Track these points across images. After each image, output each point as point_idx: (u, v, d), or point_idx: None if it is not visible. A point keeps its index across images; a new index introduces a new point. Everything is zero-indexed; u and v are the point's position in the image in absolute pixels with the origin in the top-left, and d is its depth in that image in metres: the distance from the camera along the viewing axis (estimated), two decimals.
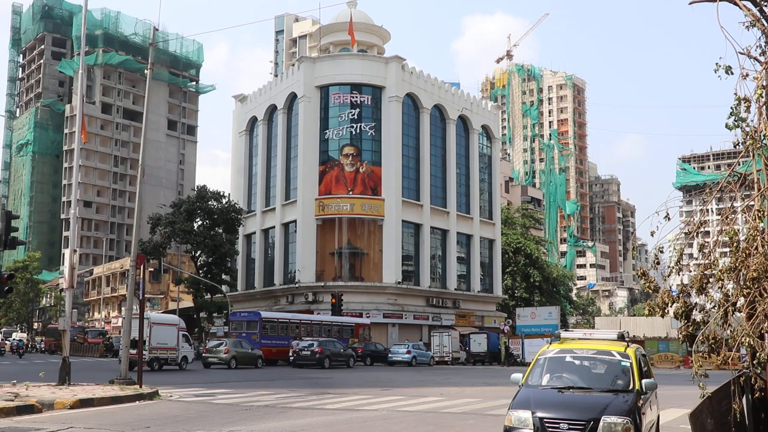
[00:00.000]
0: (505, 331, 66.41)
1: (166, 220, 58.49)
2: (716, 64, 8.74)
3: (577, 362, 11.02)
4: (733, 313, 9.01)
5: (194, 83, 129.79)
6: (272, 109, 68.33)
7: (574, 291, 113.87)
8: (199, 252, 59.55)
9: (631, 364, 10.56)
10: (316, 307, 58.15)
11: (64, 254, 27.67)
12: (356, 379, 31.71)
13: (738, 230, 9.07)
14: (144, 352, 35.31)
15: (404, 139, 63.97)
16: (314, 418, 16.54)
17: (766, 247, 8.46)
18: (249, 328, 46.91)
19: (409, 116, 64.98)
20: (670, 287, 9.50)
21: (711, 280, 9.15)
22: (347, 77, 63.46)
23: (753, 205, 8.90)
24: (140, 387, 21.34)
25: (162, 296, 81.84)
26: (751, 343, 8.56)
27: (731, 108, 8.86)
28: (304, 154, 62.41)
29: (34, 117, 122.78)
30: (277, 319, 49.06)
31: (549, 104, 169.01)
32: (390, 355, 49.27)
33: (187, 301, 67.15)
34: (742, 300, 8.81)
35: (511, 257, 78.89)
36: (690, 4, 9.75)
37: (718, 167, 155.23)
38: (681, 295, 9.40)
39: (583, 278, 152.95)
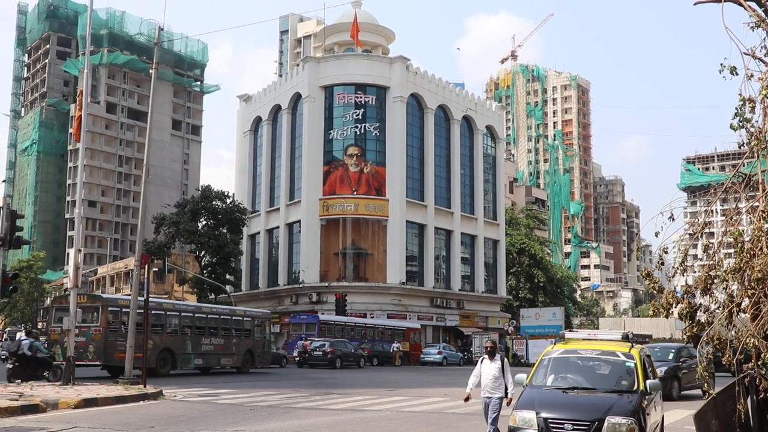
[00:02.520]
0: (509, 331, 66.44)
1: (171, 220, 58.55)
2: (721, 64, 8.75)
3: (581, 363, 11.04)
4: (738, 314, 9.01)
5: (199, 83, 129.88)
6: (277, 109, 68.37)
7: (579, 292, 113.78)
8: (203, 252, 59.62)
9: (635, 364, 10.58)
10: (320, 308, 58.12)
11: (68, 254, 27.88)
12: (361, 380, 31.74)
13: (743, 231, 9.07)
14: None
15: (408, 140, 63.93)
16: (318, 418, 16.56)
17: None
18: (308, 329, 49.06)
19: (413, 116, 64.95)
20: (675, 288, 9.51)
21: (715, 280, 9.16)
22: (352, 77, 63.44)
23: (758, 206, 8.90)
24: (144, 387, 21.39)
25: (166, 296, 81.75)
26: (756, 344, 8.56)
27: (736, 109, 8.86)
28: (309, 155, 62.42)
29: (39, 116, 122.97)
30: (334, 321, 51.10)
31: (553, 105, 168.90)
32: (422, 356, 51.39)
33: (191, 301, 67.17)
34: (746, 301, 8.81)
35: (516, 258, 78.85)
36: (695, 4, 9.75)
37: (722, 168, 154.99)
38: (685, 295, 9.40)
39: (587, 279, 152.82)
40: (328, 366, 40.77)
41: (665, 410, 12.55)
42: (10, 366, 24.99)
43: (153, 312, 29.44)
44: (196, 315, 33.51)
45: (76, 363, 26.25)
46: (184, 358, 32.10)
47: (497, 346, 12.89)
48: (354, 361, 43.60)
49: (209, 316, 34.41)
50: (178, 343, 31.74)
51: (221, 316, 35.14)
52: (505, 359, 12.09)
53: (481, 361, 12.15)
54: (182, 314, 32.93)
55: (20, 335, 28.63)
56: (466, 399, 12.14)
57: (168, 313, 32.31)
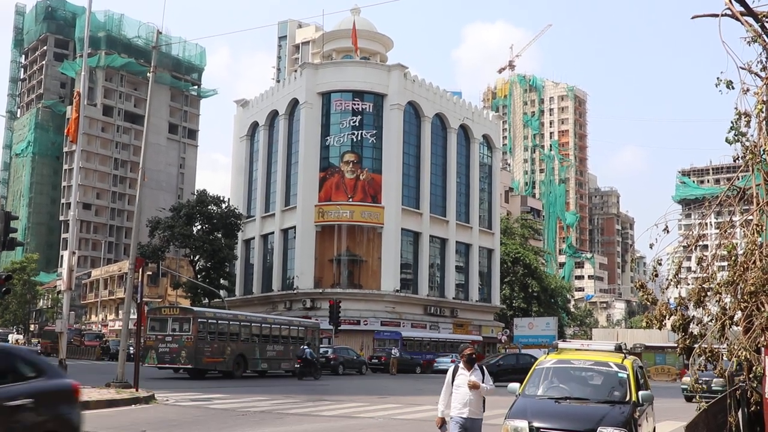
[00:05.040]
0: (503, 341, 66.43)
1: (166, 223, 58.47)
2: (717, 78, 8.79)
3: (574, 373, 11.05)
4: (731, 327, 9.03)
5: (196, 87, 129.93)
6: (274, 114, 68.36)
7: (572, 302, 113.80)
8: (197, 256, 59.51)
9: (628, 375, 10.59)
10: (313, 314, 58.00)
11: (62, 256, 27.89)
12: (354, 387, 31.73)
13: (736, 244, 9.10)
14: None
15: (405, 147, 63.96)
16: (310, 424, 16.56)
17: (764, 261, 8.49)
18: (391, 345, 54.07)
19: (410, 124, 64.98)
20: (668, 300, 9.53)
21: (709, 293, 9.18)
22: (349, 84, 63.50)
23: (752, 220, 8.94)
24: (136, 390, 21.32)
25: (160, 300, 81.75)
26: (748, 356, 8.58)
27: (731, 122, 8.90)
28: (305, 161, 62.40)
29: (35, 118, 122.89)
30: (413, 337, 57.20)
31: (550, 115, 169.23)
32: (435, 364, 52.48)
33: (185, 306, 67.03)
34: (739, 314, 8.83)
35: (510, 267, 78.84)
36: (692, 18, 9.81)
37: (717, 181, 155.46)
38: (679, 307, 9.42)
39: (581, 289, 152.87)
40: (331, 372, 42.49)
41: (657, 421, 12.57)
42: (298, 366, 36.12)
43: (231, 322, 36.13)
44: (263, 325, 38.53)
45: (168, 366, 33.84)
46: (254, 362, 36.75)
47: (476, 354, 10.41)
48: (356, 367, 45.83)
49: (272, 326, 39.40)
50: (250, 350, 36.38)
51: (281, 326, 40.04)
52: (485, 371, 9.99)
53: (454, 372, 9.93)
54: (252, 324, 37.69)
55: (304, 347, 37.08)
56: (441, 425, 9.91)
57: (242, 323, 37.06)
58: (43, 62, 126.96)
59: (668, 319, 9.33)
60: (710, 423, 9.70)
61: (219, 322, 35.49)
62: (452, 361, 51.73)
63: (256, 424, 16.24)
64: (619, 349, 11.46)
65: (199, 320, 33.66)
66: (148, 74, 27.47)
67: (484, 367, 10.02)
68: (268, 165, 68.56)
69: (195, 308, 39.23)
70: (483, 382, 9.72)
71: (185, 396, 22.84)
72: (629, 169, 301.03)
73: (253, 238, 68.91)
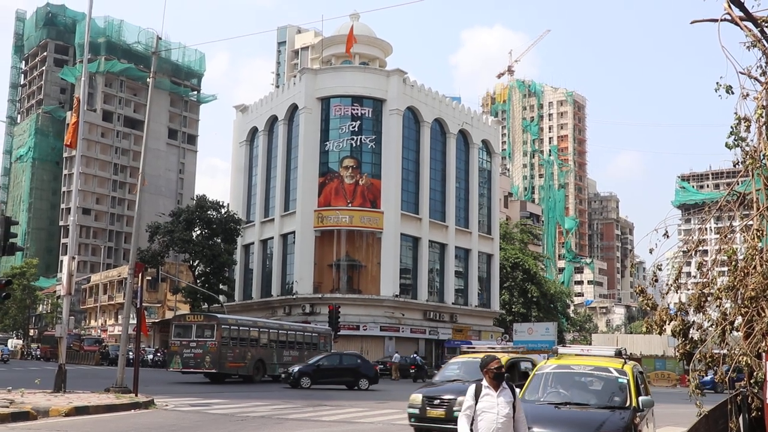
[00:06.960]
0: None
1: (165, 228, 58.46)
2: (717, 83, 8.79)
3: (574, 378, 11.02)
4: (731, 332, 9.02)
5: (195, 93, 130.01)
6: (273, 119, 68.39)
7: (572, 307, 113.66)
8: (197, 261, 59.50)
9: (628, 380, 10.56)
10: (313, 319, 57.97)
11: (62, 261, 27.83)
12: (353, 392, 31.67)
13: (736, 249, 9.09)
14: None
15: (404, 152, 63.95)
16: (310, 429, 16.51)
17: (764, 266, 8.48)
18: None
19: (409, 129, 64.99)
20: (668, 305, 9.52)
21: (709, 298, 9.17)
22: (348, 89, 63.51)
23: (752, 225, 8.93)
24: (136, 395, 21.29)
25: (159, 305, 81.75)
26: (749, 362, 8.57)
27: (731, 127, 8.91)
28: (304, 166, 62.40)
29: (35, 123, 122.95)
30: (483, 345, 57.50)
31: (549, 120, 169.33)
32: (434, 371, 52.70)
33: (184, 311, 67.00)
34: (739, 319, 8.82)
35: (509, 272, 78.79)
36: (692, 23, 9.81)
37: (717, 186, 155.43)
38: (679, 313, 9.41)
39: (580, 295, 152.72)
40: None
41: (657, 427, 12.54)
42: (412, 371, 42.47)
43: (251, 329, 37.92)
44: (279, 331, 40.28)
45: (193, 370, 35.12)
46: (272, 367, 38.03)
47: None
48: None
49: (288, 332, 41.04)
50: (268, 355, 38.10)
51: (296, 332, 41.68)
52: (517, 391, 7.85)
53: (477, 393, 7.58)
54: (270, 330, 39.59)
55: (414, 355, 40.78)
56: None
57: (261, 329, 38.98)
58: (43, 68, 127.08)
59: (668, 324, 9.32)
60: (711, 428, 9.68)
61: (240, 328, 37.02)
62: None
63: (255, 429, 16.20)
64: (619, 354, 11.43)
65: (222, 326, 35.06)
66: (147, 80, 27.51)
67: (514, 386, 7.81)
68: (268, 170, 68.57)
69: (219, 315, 40.30)
70: (514, 405, 7.56)
71: (185, 401, 22.79)
72: (628, 174, 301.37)
73: (253, 243, 68.88)
